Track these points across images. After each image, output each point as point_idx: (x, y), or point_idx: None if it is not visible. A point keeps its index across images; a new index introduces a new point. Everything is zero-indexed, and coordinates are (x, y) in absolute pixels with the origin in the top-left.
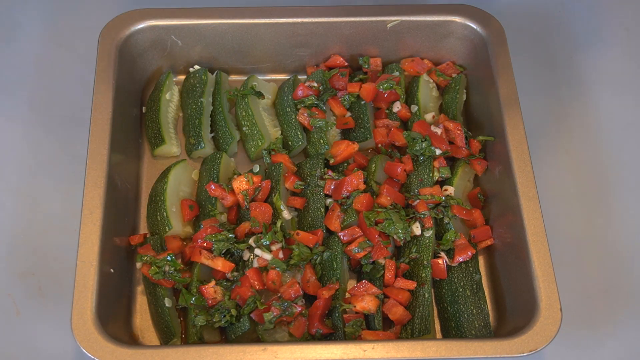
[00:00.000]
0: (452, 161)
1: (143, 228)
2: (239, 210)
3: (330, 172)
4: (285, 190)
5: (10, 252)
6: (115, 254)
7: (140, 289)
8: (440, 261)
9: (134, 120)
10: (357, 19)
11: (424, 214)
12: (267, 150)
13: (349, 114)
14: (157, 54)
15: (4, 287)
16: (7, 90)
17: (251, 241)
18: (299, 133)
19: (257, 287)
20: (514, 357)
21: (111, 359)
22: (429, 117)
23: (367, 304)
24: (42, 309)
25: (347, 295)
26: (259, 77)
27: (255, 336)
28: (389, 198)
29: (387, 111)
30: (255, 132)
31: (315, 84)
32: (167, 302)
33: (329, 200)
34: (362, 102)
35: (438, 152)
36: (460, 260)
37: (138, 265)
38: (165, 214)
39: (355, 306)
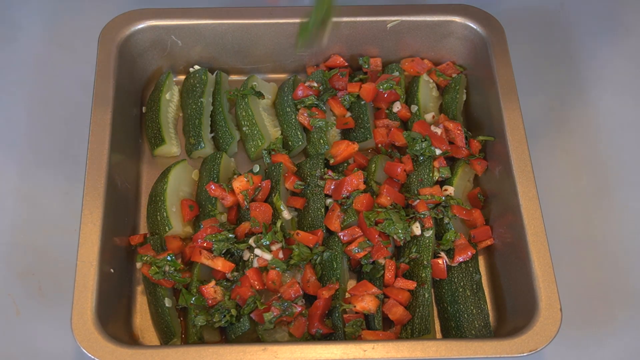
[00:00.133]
0: (452, 161)
1: (143, 228)
2: (239, 210)
3: (330, 172)
4: (285, 190)
5: (10, 252)
6: (115, 254)
7: (140, 289)
8: (440, 261)
9: (134, 120)
10: (357, 19)
11: (424, 214)
12: (267, 150)
13: (349, 114)
14: (157, 54)
15: (4, 287)
16: (7, 90)
17: (251, 241)
18: (299, 133)
19: (257, 287)
20: (514, 357)
21: (111, 359)
22: (429, 117)
23: (367, 304)
24: (42, 309)
25: (347, 295)
26: (259, 77)
27: (255, 336)
28: (389, 198)
29: (387, 111)
30: (255, 132)
31: (315, 84)
32: (167, 302)
33: (329, 200)
34: (362, 102)
35: (438, 152)
36: (460, 260)
37: (138, 265)
38: (165, 214)
39: (355, 306)
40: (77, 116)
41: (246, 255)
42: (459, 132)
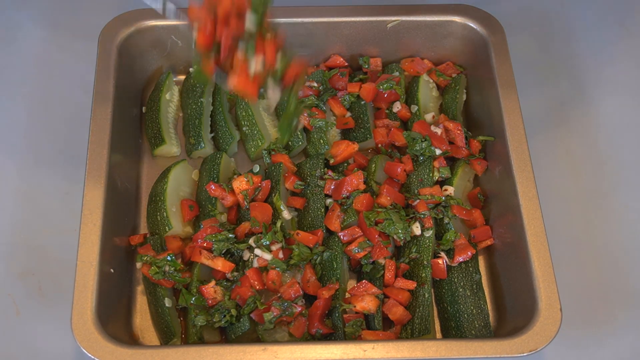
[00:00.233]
0: (452, 161)
1: (143, 228)
2: (239, 210)
3: (330, 172)
4: (285, 190)
5: (10, 252)
6: (115, 254)
7: (140, 289)
8: (440, 261)
9: (134, 120)
10: (357, 19)
11: (424, 214)
12: (267, 150)
13: (349, 114)
14: (157, 54)
15: (4, 287)
16: (7, 90)
17: (251, 241)
18: (299, 133)
19: (257, 287)
20: (514, 357)
21: (111, 359)
22: (429, 117)
23: (367, 304)
24: (42, 309)
25: (347, 295)
26: None
27: (255, 336)
28: (389, 198)
29: (387, 111)
30: (255, 132)
31: (315, 84)
32: (167, 302)
33: (329, 200)
34: (362, 102)
35: (438, 152)
36: (460, 260)
37: (138, 265)
38: (165, 214)
39: (355, 306)
40: (77, 116)
41: (246, 255)
42: (459, 132)
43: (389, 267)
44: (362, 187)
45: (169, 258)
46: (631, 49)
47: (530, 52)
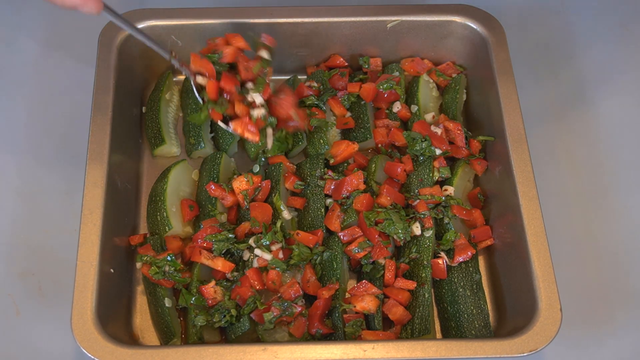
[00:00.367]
0: (452, 161)
1: (143, 228)
2: (239, 210)
3: (330, 172)
4: (285, 190)
5: (10, 252)
6: (115, 254)
7: (140, 289)
8: (440, 261)
9: (134, 120)
10: (357, 19)
11: (424, 214)
12: (263, 150)
13: (349, 114)
14: (157, 53)
15: (4, 287)
16: (7, 90)
17: (251, 241)
18: (298, 133)
19: (257, 287)
20: (514, 357)
21: (111, 359)
22: (429, 117)
23: (367, 304)
24: (42, 309)
25: (347, 295)
26: None
27: (255, 336)
28: (389, 198)
29: (387, 111)
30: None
31: (315, 84)
32: (167, 302)
33: (329, 200)
34: (362, 102)
35: (438, 152)
36: (460, 260)
37: (138, 265)
38: (165, 214)
39: (355, 306)
40: (77, 116)
41: (246, 255)
42: (459, 132)
43: (389, 267)
44: (362, 187)
45: (169, 258)
46: (631, 49)
47: (530, 52)
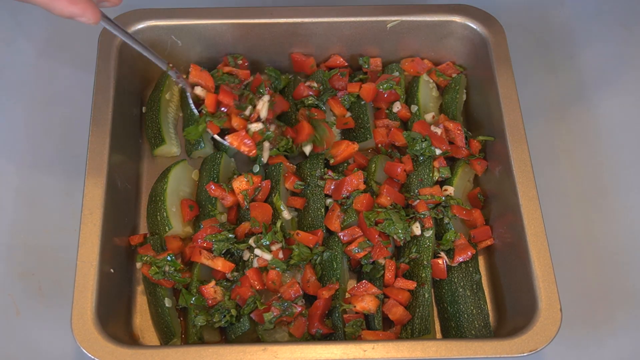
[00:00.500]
0: (452, 161)
1: (143, 228)
2: (239, 210)
3: (330, 172)
4: (285, 190)
5: (10, 252)
6: (115, 254)
7: (140, 289)
8: (440, 261)
9: (134, 120)
10: (357, 19)
11: (424, 214)
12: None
13: (349, 114)
14: (157, 53)
15: (4, 287)
16: (7, 90)
17: (251, 241)
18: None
19: (257, 287)
20: (514, 357)
21: (111, 359)
22: (429, 117)
23: (367, 304)
24: (42, 309)
25: (347, 295)
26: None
27: (255, 336)
28: (389, 198)
29: (387, 111)
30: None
31: (315, 84)
32: (167, 302)
33: (329, 200)
34: (362, 102)
35: (438, 152)
36: (460, 260)
37: (138, 265)
38: (165, 214)
39: (355, 306)
40: (77, 116)
41: (246, 255)
42: (459, 132)
43: (389, 267)
44: (362, 187)
45: (169, 258)
46: (631, 49)
47: (530, 51)
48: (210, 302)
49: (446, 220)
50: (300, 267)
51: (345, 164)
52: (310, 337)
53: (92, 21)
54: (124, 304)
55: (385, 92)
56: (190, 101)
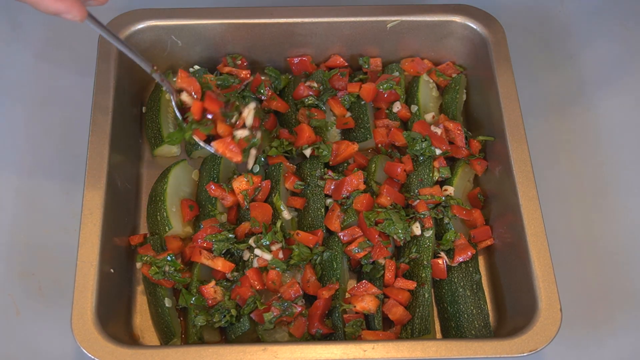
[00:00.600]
0: (452, 161)
1: (143, 228)
2: (239, 210)
3: (330, 172)
4: (285, 190)
5: (10, 252)
6: (115, 254)
7: (140, 289)
8: (440, 261)
9: (134, 120)
10: (357, 19)
11: (424, 214)
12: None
13: (349, 114)
14: (157, 54)
15: (4, 287)
16: (7, 90)
17: (251, 241)
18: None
19: (257, 287)
20: (514, 357)
21: (111, 359)
22: (429, 117)
23: (367, 304)
24: (42, 309)
25: (347, 295)
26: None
27: (255, 336)
28: (389, 198)
29: (387, 111)
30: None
31: (315, 84)
32: (167, 302)
33: (329, 200)
34: (362, 102)
35: (438, 152)
36: (460, 260)
37: (138, 265)
38: (165, 214)
39: (355, 306)
40: (77, 116)
41: (246, 255)
42: (459, 132)
43: (389, 267)
44: (362, 187)
45: (169, 258)
46: (631, 49)
47: (530, 51)
48: (210, 302)
49: (446, 220)
50: (300, 267)
51: (345, 164)
52: (310, 337)
53: (77, 18)
54: (124, 304)
55: (385, 92)
56: (174, 104)
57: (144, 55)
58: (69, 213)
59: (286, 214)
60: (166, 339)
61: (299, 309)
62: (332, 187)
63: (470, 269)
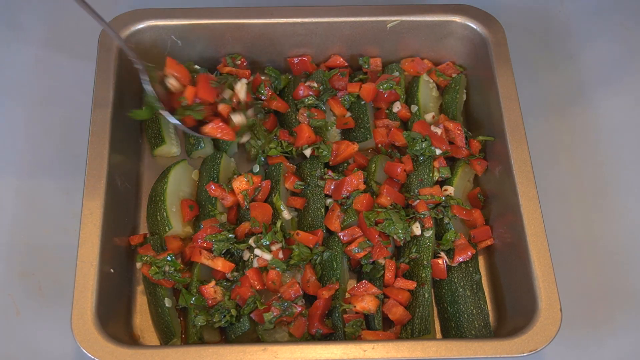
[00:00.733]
0: (452, 161)
1: (143, 228)
2: (239, 210)
3: (330, 172)
4: (285, 190)
5: (10, 252)
6: (115, 254)
7: (140, 289)
8: (440, 261)
9: (134, 120)
10: (357, 19)
11: (424, 214)
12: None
13: (349, 114)
14: (157, 54)
15: (4, 287)
16: (7, 90)
17: (251, 241)
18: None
19: (257, 287)
20: (514, 357)
21: (111, 359)
22: (429, 117)
23: (367, 304)
24: (42, 309)
25: (347, 295)
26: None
27: (255, 336)
28: (389, 198)
29: (387, 111)
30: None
31: (315, 84)
32: (167, 302)
33: (329, 200)
34: (362, 102)
35: (438, 152)
36: (460, 260)
37: (138, 265)
38: (165, 214)
39: (355, 306)
40: (77, 116)
41: (246, 255)
42: (459, 132)
43: (389, 267)
44: (362, 187)
45: (169, 258)
46: (631, 49)
47: (530, 51)
48: (210, 302)
49: (446, 220)
50: (300, 267)
51: (345, 164)
52: (310, 337)
53: None
54: (124, 304)
55: (385, 92)
56: (146, 81)
57: (144, 55)
58: (69, 213)
59: (286, 214)
60: (166, 339)
61: (299, 309)
62: (332, 187)
63: (470, 269)
